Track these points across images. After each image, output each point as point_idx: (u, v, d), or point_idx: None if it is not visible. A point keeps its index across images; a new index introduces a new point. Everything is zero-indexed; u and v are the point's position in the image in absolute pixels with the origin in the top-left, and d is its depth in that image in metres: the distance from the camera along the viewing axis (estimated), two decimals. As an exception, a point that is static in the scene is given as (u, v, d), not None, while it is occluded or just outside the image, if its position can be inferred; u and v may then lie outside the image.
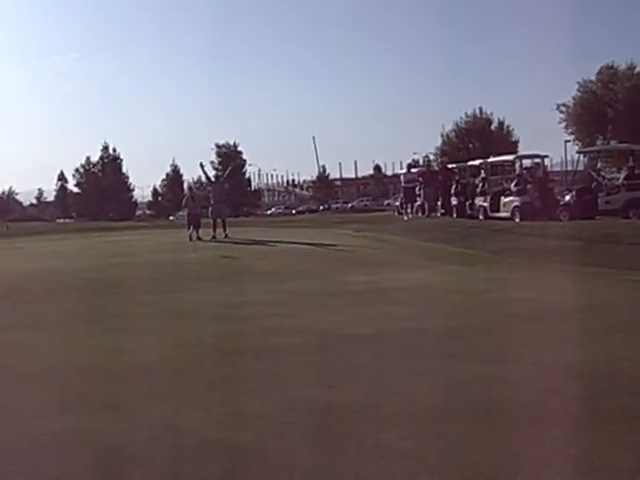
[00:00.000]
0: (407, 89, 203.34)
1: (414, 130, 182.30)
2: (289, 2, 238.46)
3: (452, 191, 25.20)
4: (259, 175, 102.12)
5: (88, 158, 71.68)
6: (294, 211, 73.44)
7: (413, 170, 27.83)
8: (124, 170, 72.02)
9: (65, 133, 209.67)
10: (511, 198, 22.40)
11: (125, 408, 5.00)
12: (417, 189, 25.64)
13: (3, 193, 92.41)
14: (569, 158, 52.48)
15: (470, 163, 27.15)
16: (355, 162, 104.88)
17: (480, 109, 61.41)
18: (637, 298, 9.29)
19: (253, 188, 79.01)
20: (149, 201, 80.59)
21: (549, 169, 28.27)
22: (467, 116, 61.04)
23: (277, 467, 3.91)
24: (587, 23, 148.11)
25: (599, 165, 27.78)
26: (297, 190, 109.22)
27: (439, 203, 25.52)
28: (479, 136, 58.47)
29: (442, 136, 61.19)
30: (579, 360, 5.88)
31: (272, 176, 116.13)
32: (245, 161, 71.11)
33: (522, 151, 47.35)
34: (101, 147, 71.48)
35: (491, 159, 25.63)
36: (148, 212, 77.59)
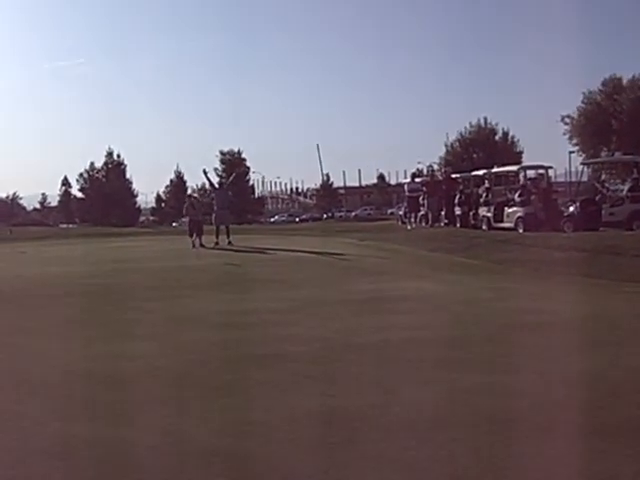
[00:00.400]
0: (412, 98, 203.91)
1: (418, 139, 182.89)
2: (296, 9, 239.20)
3: (456, 201, 25.21)
4: (263, 182, 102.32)
5: (92, 163, 71.78)
6: (297, 219, 73.53)
7: (417, 179, 27.90)
8: (128, 176, 72.15)
9: (70, 138, 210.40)
10: (515, 209, 22.40)
11: (127, 414, 4.99)
12: (421, 199, 25.68)
13: (7, 197, 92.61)
14: (573, 169, 52.27)
15: (474, 173, 27.15)
16: (359, 171, 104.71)
17: (485, 119, 61.56)
18: (641, 310, 9.26)
19: (257, 195, 79.13)
20: (152, 207, 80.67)
21: (553, 180, 28.27)
22: (471, 126, 61.19)
23: (279, 476, 3.89)
24: (593, 35, 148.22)
25: (603, 176, 27.80)
26: (301, 198, 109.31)
27: (443, 213, 25.56)
28: (483, 146, 58.50)
29: (446, 146, 61.36)
30: (582, 370, 5.87)
31: (276, 184, 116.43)
32: (249, 168, 71.24)
33: (526, 162, 47.35)
34: (105, 153, 71.65)
35: (495, 169, 25.63)
36: (152, 218, 77.66)
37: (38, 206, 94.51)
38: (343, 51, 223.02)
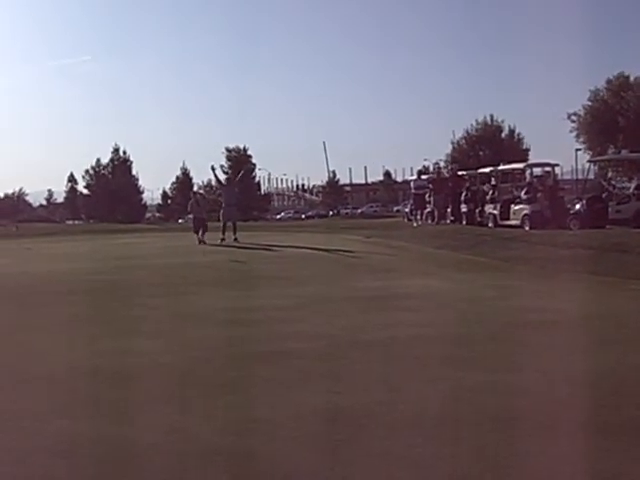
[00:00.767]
0: (418, 96, 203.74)
1: (424, 137, 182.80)
2: (303, 7, 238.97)
3: (462, 198, 25.16)
4: (269, 179, 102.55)
5: (98, 160, 72.07)
6: (303, 216, 73.63)
7: (423, 177, 27.81)
8: (134, 172, 72.33)
9: (76, 135, 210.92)
10: (521, 206, 22.35)
11: (131, 412, 5.00)
12: (427, 196, 25.65)
13: (13, 194, 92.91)
14: (580, 167, 52.36)
15: (480, 170, 27.09)
16: (365, 168, 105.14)
17: (491, 116, 61.50)
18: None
19: (263, 192, 79.20)
20: (158, 204, 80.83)
21: (559, 178, 28.12)
22: (478, 123, 61.11)
23: (284, 473, 3.90)
24: (599, 32, 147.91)
25: (610, 174, 27.62)
26: (307, 195, 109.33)
27: (449, 210, 25.52)
28: (489, 144, 58.44)
29: (452, 143, 61.33)
30: (587, 369, 5.84)
31: (282, 181, 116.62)
32: (255, 165, 71.30)
33: (532, 159, 47.32)
34: (111, 149, 71.84)
35: (501, 167, 25.55)
36: (157, 215, 77.83)
37: (44, 202, 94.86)
38: (349, 49, 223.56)
